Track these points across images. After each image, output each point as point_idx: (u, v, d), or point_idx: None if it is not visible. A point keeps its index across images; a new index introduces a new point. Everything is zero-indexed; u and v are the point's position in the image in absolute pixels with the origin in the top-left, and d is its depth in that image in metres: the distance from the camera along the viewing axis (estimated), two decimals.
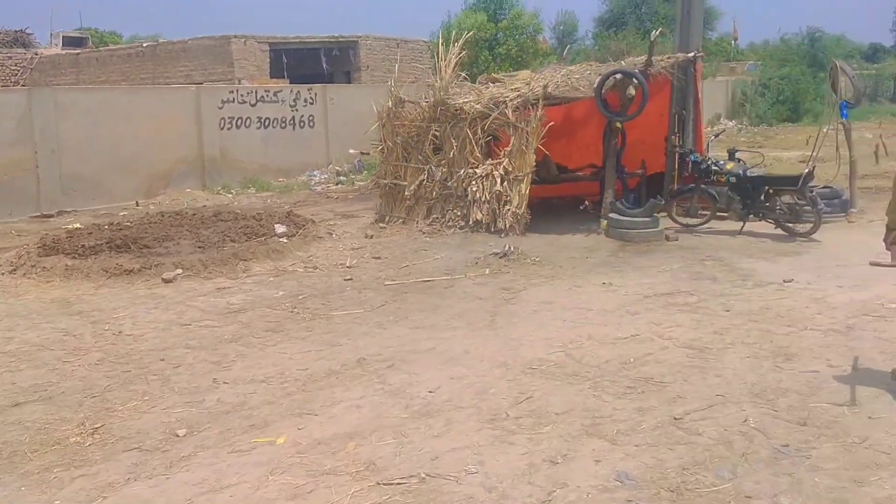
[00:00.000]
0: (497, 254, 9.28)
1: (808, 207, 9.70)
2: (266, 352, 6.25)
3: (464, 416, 4.82)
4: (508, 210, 10.74)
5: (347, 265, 9.29)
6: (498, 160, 10.89)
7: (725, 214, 10.53)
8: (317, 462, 4.30)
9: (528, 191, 10.78)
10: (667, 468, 4.09)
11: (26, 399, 5.38)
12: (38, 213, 13.93)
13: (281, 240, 9.96)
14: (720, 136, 11.44)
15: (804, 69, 41.38)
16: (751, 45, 63.02)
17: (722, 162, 10.46)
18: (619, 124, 10.56)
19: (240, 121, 17.57)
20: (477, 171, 10.95)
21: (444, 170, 11.36)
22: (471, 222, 10.94)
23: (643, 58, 11.05)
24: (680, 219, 11.02)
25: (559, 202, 13.76)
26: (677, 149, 11.48)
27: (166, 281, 8.49)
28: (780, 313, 6.74)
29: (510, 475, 4.06)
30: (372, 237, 10.97)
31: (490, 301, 7.50)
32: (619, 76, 10.17)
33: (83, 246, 9.52)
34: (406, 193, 11.66)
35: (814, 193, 9.71)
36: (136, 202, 15.13)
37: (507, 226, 10.70)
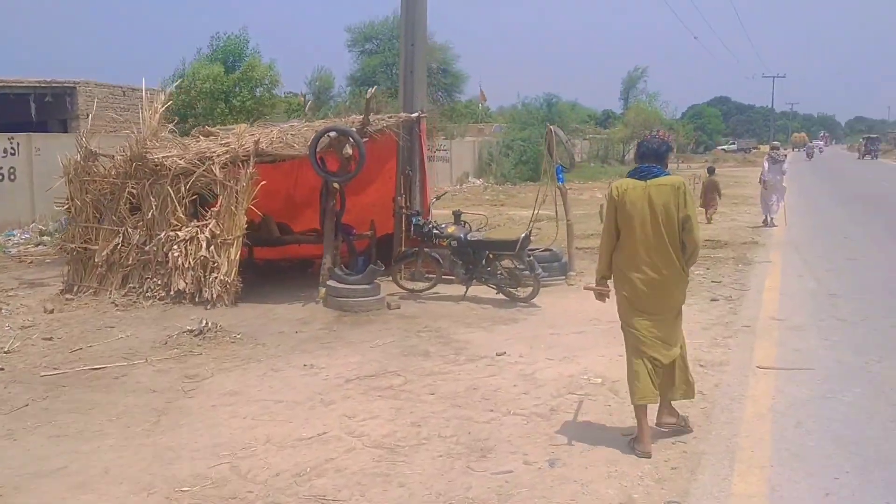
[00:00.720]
0: (192, 331, 8.08)
1: (526, 272, 9.48)
2: None
3: None
4: (216, 278, 9.59)
5: (5, 350, 7.66)
6: (204, 222, 9.73)
7: (452, 278, 10.12)
8: None
9: (238, 256, 9.70)
10: None
11: None
12: None
13: None
14: (442, 199, 10.91)
15: (543, 132, 43.88)
16: (500, 109, 66.67)
17: (444, 225, 10.05)
18: (336, 185, 9.82)
19: None
20: (180, 233, 9.72)
21: (142, 232, 10.00)
22: (172, 292, 9.65)
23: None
24: (405, 284, 10.47)
25: (287, 265, 12.83)
26: (404, 210, 10.98)
27: None
28: (486, 394, 6.18)
29: None
30: (52, 311, 9.32)
31: (163, 395, 6.30)
32: (333, 134, 9.46)
33: None
34: (97, 259, 10.13)
35: (531, 258, 9.52)
36: None
37: (215, 296, 9.54)
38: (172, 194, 9.83)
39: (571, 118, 50.56)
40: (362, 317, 8.98)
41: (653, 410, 5.25)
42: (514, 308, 9.42)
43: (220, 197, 9.77)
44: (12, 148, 16.98)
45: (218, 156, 9.81)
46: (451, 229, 9.90)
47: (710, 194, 19.37)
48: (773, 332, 8.11)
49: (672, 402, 5.30)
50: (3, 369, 7.06)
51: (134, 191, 10.07)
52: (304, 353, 7.46)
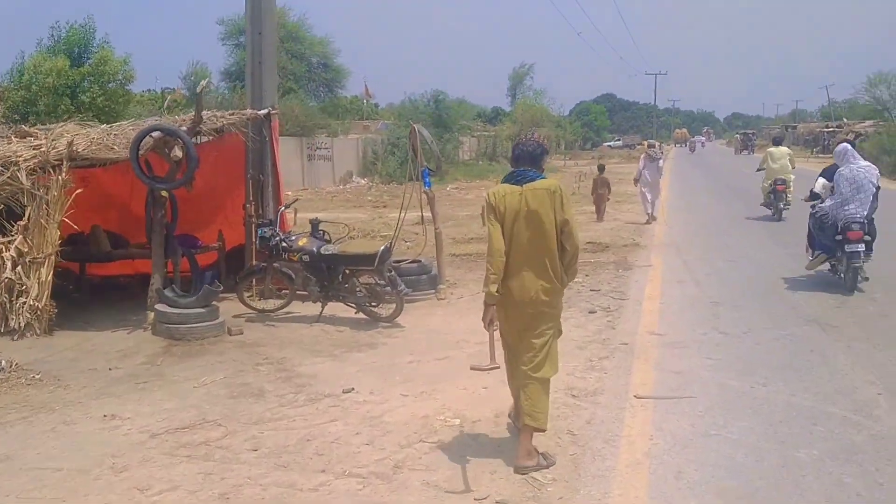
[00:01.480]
0: None
1: (388, 288, 8.50)
2: None
3: None
4: (24, 303, 8.18)
5: None
6: (8, 238, 8.30)
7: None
8: None
9: (50, 277, 8.31)
10: None
11: None
12: None
13: None
14: (292, 207, 9.79)
15: (430, 129, 43.00)
16: (390, 106, 65.44)
17: (295, 237, 8.94)
18: (164, 192, 8.56)
19: None
20: None
21: None
22: None
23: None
24: (254, 303, 9.30)
25: (128, 282, 11.42)
26: (254, 219, 9.80)
27: None
28: (321, 448, 5.15)
29: None
30: None
31: None
32: (157, 134, 8.19)
33: None
34: None
35: (393, 273, 8.54)
36: None
37: (23, 324, 8.14)
38: None
39: (459, 115, 49.81)
40: (195, 346, 7.79)
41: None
42: (374, 329, 8.41)
43: (29, 209, 8.35)
44: None
45: (25, 161, 8.38)
46: (302, 242, 8.80)
47: (601, 191, 19.39)
48: (652, 351, 7.40)
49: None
50: None
51: None
52: (110, 399, 6.23)
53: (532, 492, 4.48)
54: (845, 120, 65.56)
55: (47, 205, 8.33)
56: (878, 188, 9.92)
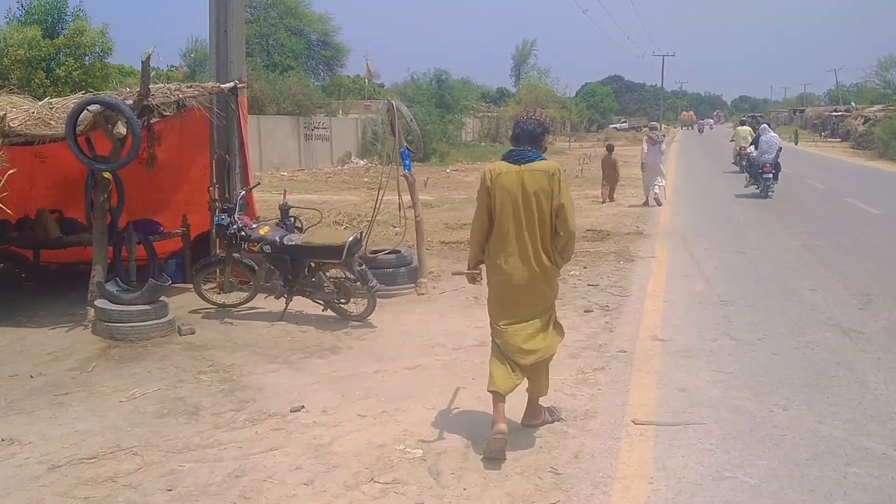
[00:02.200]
0: None
1: (358, 283, 7.57)
2: None
3: None
4: None
5: None
6: None
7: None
8: None
9: None
10: None
11: None
12: None
13: None
14: (255, 189, 8.81)
15: (432, 109, 42.03)
16: (395, 85, 64.15)
17: (255, 225, 7.99)
18: (107, 174, 7.61)
19: None
20: None
21: None
22: None
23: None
24: (214, 297, 8.39)
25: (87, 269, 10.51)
26: (218, 204, 8.86)
27: None
28: (249, 489, 4.24)
29: None
30: None
31: None
32: (95, 107, 7.22)
33: None
34: None
35: (363, 267, 7.60)
36: None
37: None
38: None
39: (462, 95, 48.64)
40: (137, 348, 6.88)
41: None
42: (342, 330, 7.49)
43: None
44: None
45: None
46: (263, 231, 7.85)
47: (610, 172, 19.27)
48: (654, 361, 6.47)
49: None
50: None
51: None
52: (18, 416, 5.32)
53: None
54: (853, 104, 64.35)
55: None
56: (780, 148, 19.39)
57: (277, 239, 7.69)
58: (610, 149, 20.02)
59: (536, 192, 4.58)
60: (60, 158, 9.26)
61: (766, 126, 21.64)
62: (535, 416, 5.06)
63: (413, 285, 8.95)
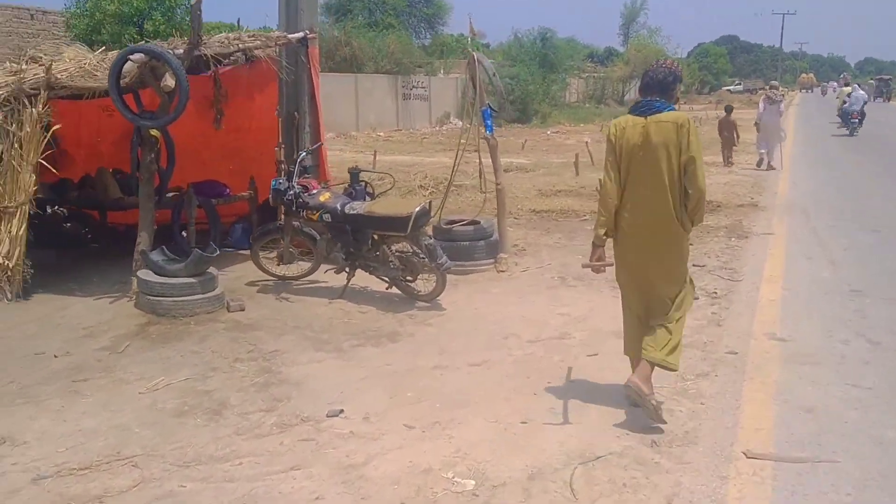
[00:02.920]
0: None
1: (425, 260, 6.68)
2: None
3: None
4: None
5: None
6: None
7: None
8: None
9: (23, 231, 6.88)
10: None
11: None
12: None
13: None
14: (307, 158, 7.93)
15: (535, 69, 40.61)
16: (501, 45, 62.61)
17: (316, 191, 7.18)
18: (154, 132, 6.93)
19: None
20: None
21: None
22: None
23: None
24: (272, 268, 7.67)
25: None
26: (284, 166, 8.11)
27: None
28: None
29: None
30: None
31: None
32: (139, 57, 6.48)
33: None
34: None
35: (432, 241, 6.68)
36: None
37: None
38: None
39: (568, 55, 46.82)
40: (179, 326, 6.21)
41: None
42: (405, 312, 6.63)
43: (1, 148, 6.91)
44: None
45: None
46: (323, 197, 7.03)
47: (728, 134, 18.17)
48: (772, 367, 5.33)
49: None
50: None
51: None
52: (24, 407, 4.69)
53: None
54: None
55: (20, 144, 6.85)
56: (865, 101, 26.66)
57: (338, 207, 6.86)
58: (728, 110, 19.03)
59: (663, 145, 4.22)
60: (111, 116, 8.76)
61: (857, 86, 30.30)
62: (645, 382, 4.33)
63: (492, 261, 7.99)
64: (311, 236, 7.32)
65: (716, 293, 7.24)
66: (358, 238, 6.87)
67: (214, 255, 6.63)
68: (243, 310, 6.59)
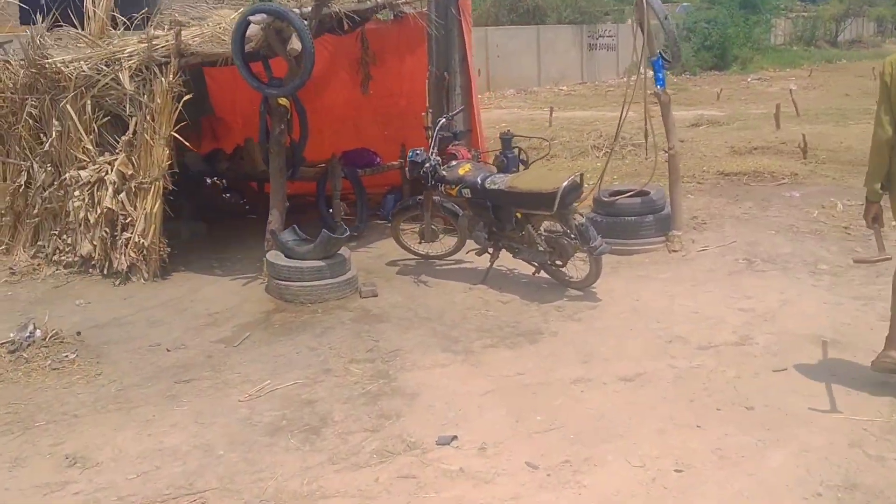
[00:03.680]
0: (11, 342, 5.15)
1: (575, 241, 5.73)
2: None
3: None
4: (129, 239, 6.61)
5: None
6: (109, 157, 6.72)
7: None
8: None
9: (159, 207, 6.62)
10: None
11: None
12: None
13: None
14: (453, 120, 7.09)
15: (734, 11, 37.46)
16: None
17: (455, 163, 6.38)
18: (283, 101, 6.38)
19: None
20: (82, 173, 6.78)
21: (49, 169, 7.16)
22: (77, 257, 6.84)
23: None
24: (414, 246, 7.01)
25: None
26: (432, 132, 7.36)
27: None
28: None
29: None
30: None
31: None
32: (261, 17, 5.89)
33: None
34: (0, 206, 7.47)
35: (583, 221, 5.69)
36: None
37: (127, 266, 6.60)
38: (74, 115, 6.83)
39: None
40: (304, 314, 5.68)
41: None
42: (553, 303, 5.72)
43: (134, 120, 6.67)
44: None
45: (128, 57, 6.65)
46: (463, 169, 6.21)
47: None
48: None
49: None
50: None
51: (33, 110, 7.17)
52: (112, 414, 4.27)
53: None
54: None
55: (152, 116, 6.56)
56: None
57: (478, 181, 6.02)
58: None
59: None
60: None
61: None
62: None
63: (663, 239, 6.86)
64: (452, 212, 6.57)
65: None
66: (500, 216, 6.02)
67: (345, 235, 6.04)
68: (376, 296, 5.97)
